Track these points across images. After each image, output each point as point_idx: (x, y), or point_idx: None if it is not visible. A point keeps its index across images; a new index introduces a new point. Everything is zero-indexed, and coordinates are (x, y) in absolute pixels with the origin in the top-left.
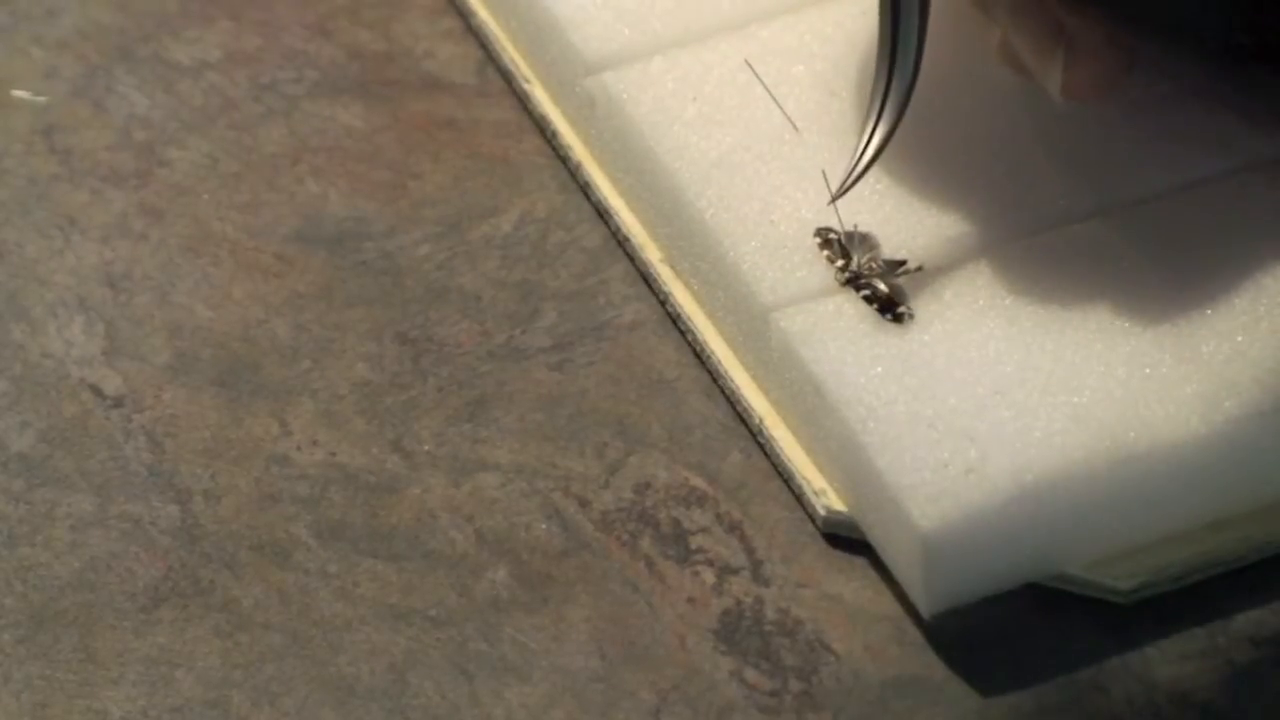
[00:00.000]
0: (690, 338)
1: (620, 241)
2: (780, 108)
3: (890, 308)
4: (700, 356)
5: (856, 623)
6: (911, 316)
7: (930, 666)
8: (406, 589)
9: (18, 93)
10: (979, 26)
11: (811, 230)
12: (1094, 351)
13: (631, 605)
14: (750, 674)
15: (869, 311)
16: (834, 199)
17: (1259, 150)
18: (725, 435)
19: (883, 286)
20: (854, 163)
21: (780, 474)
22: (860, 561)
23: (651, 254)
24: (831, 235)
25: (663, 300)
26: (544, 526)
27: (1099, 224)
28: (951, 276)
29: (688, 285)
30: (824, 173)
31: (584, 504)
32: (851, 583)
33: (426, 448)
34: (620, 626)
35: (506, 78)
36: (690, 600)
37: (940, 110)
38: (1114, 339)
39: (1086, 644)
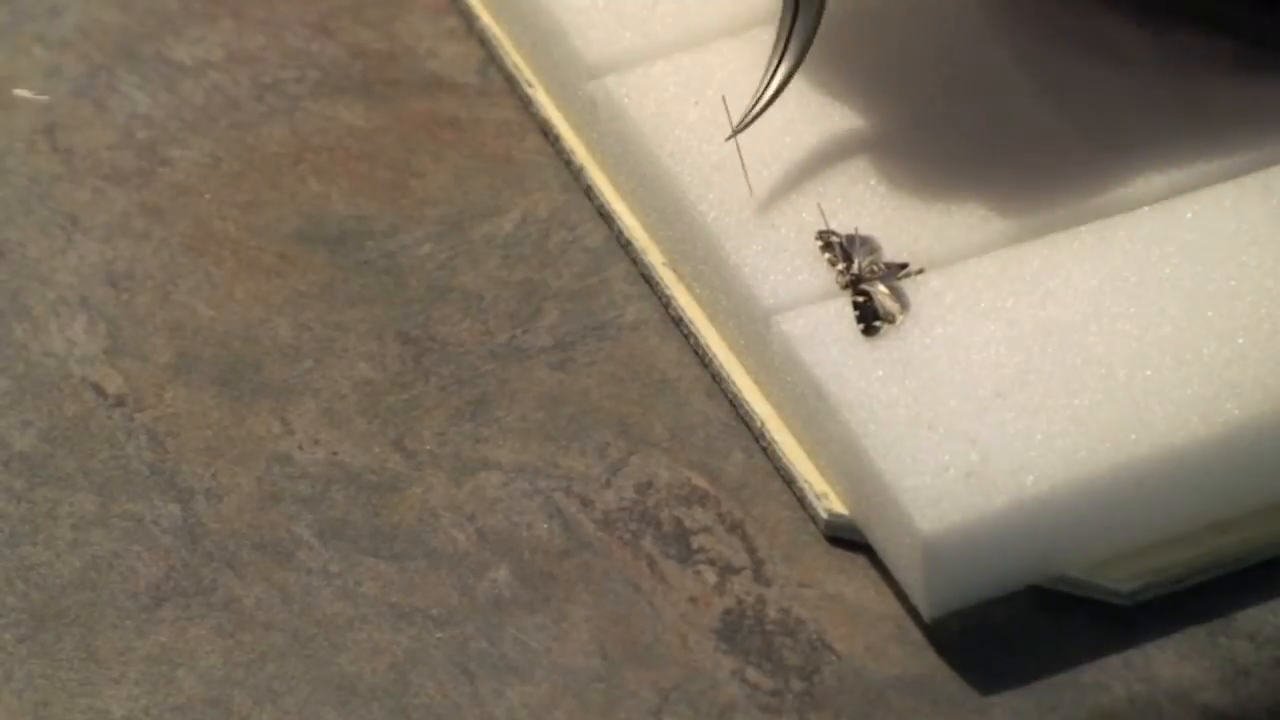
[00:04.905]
0: (692, 340)
1: (622, 245)
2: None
3: (867, 318)
4: (702, 359)
5: (858, 622)
6: (894, 323)
7: (931, 666)
8: (408, 588)
9: (20, 91)
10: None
11: (813, 233)
12: (1095, 354)
13: (633, 605)
14: (752, 673)
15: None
16: (734, 134)
17: (1261, 152)
18: (727, 435)
19: (882, 289)
20: (756, 98)
21: (782, 476)
22: (861, 561)
23: (654, 257)
24: (833, 238)
25: (665, 303)
26: (545, 526)
27: (1100, 226)
28: (952, 279)
29: (689, 288)
30: (724, 99)
31: (586, 503)
32: (853, 582)
33: (428, 447)
34: (622, 626)
35: (509, 81)
36: (692, 600)
37: (941, 112)
38: (1114, 341)
39: (1088, 644)
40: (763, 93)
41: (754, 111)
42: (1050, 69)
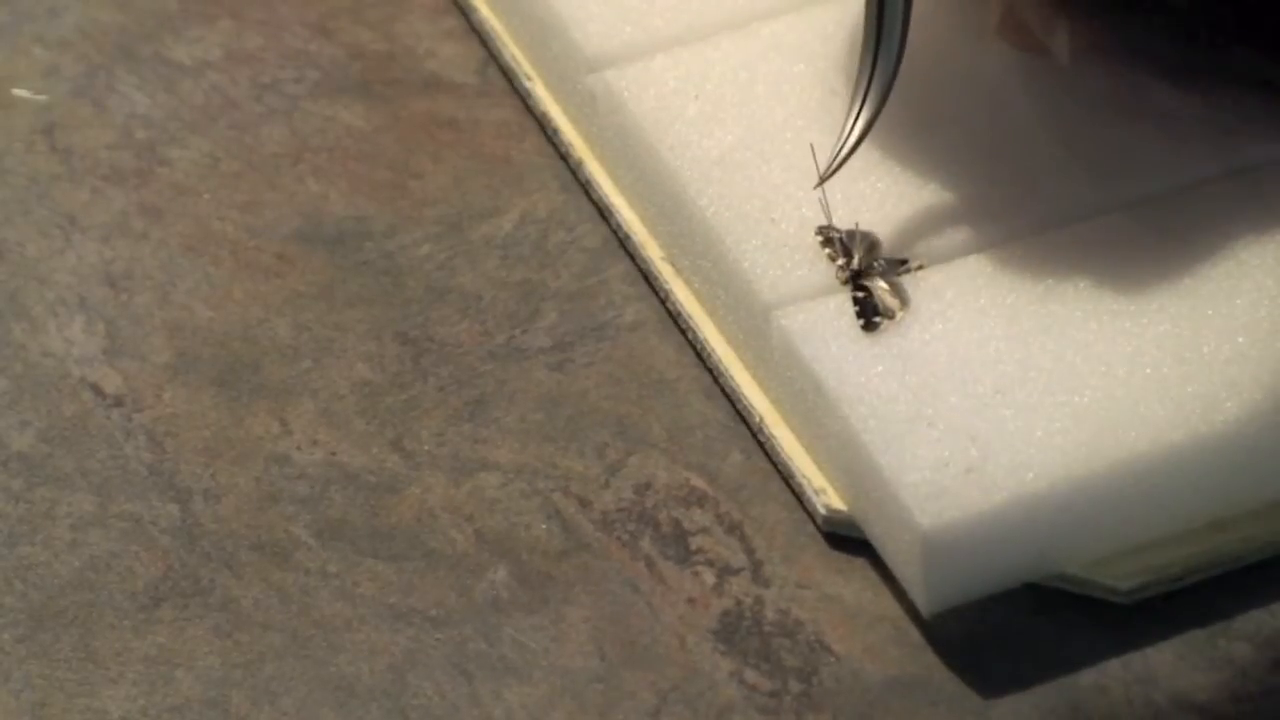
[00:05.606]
0: (690, 336)
1: (621, 239)
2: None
3: (867, 314)
4: (700, 355)
5: (856, 624)
6: (894, 319)
7: (930, 667)
8: (406, 589)
9: (19, 91)
10: (978, 7)
11: (813, 229)
12: (1095, 351)
13: (631, 606)
14: (750, 675)
15: None
16: (820, 183)
17: (1261, 150)
18: (726, 435)
19: (882, 285)
20: (838, 147)
21: (780, 473)
22: (860, 562)
23: (652, 252)
24: (833, 234)
25: (663, 298)
26: (544, 526)
27: (1100, 223)
28: (953, 275)
29: (688, 283)
30: (811, 146)
31: (584, 504)
32: (851, 584)
33: (427, 447)
34: (620, 627)
35: (508, 75)
36: (690, 601)
37: (942, 109)
38: (1115, 339)
39: (1086, 644)
40: (845, 139)
41: (838, 160)
42: (1052, 79)
